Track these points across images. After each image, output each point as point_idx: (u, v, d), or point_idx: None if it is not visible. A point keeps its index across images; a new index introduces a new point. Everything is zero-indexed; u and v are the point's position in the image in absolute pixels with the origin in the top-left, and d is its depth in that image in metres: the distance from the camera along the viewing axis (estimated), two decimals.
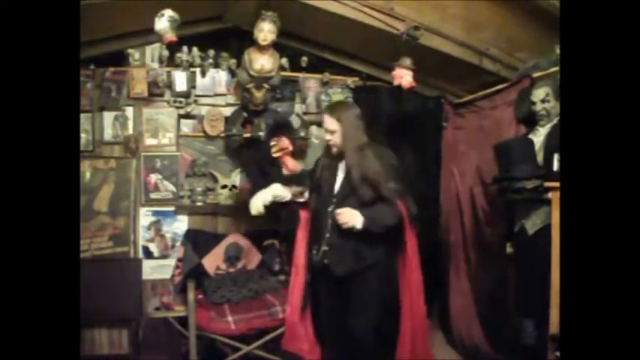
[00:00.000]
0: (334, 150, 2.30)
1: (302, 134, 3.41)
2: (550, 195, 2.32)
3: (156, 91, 3.24)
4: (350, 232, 2.13)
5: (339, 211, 2.13)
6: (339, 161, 2.30)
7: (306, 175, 2.48)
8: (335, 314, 2.24)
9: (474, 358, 3.19)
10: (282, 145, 2.59)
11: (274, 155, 2.58)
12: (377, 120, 3.66)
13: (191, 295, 2.80)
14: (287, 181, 2.46)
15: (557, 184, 2.17)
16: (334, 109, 2.38)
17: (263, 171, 2.67)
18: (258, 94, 3.17)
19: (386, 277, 2.25)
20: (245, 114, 3.30)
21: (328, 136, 2.29)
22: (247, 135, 3.31)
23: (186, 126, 3.36)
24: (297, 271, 2.40)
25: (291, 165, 2.58)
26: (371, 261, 2.18)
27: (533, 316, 2.48)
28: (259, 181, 2.54)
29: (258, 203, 2.32)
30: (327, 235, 2.19)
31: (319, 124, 3.51)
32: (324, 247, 2.20)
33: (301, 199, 2.41)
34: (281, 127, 2.93)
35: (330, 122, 2.29)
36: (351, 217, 2.11)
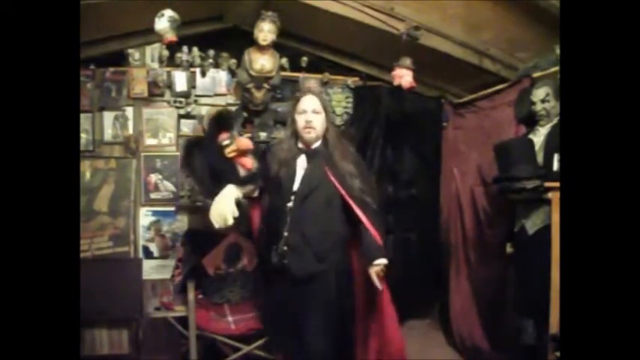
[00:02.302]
0: (310, 137, 2.11)
1: None
2: (550, 195, 2.32)
3: (156, 91, 3.24)
4: (310, 232, 2.02)
5: (376, 268, 2.01)
6: (299, 155, 2.13)
7: (260, 172, 2.24)
8: (291, 317, 2.08)
9: (474, 358, 3.19)
10: (241, 144, 2.25)
11: (230, 155, 2.23)
12: (377, 120, 3.67)
13: (191, 295, 2.80)
14: (244, 182, 2.19)
15: (557, 184, 2.17)
16: (316, 91, 2.26)
17: (214, 173, 2.21)
18: (258, 94, 3.17)
19: (343, 280, 2.11)
20: (245, 114, 3.30)
21: (310, 117, 2.08)
22: (248, 135, 3.31)
23: (186, 126, 3.36)
24: None
25: (249, 163, 2.27)
26: (331, 263, 2.04)
27: (533, 316, 2.48)
28: (210, 187, 2.16)
29: (227, 215, 2.03)
30: (286, 233, 2.03)
31: None
32: (283, 247, 2.03)
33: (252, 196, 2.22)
34: (222, 122, 2.42)
35: (315, 102, 2.12)
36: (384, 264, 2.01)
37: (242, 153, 2.25)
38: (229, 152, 2.20)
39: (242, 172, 2.21)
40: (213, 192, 2.10)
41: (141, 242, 3.22)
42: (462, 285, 3.39)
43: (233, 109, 3.32)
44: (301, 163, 2.12)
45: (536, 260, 2.42)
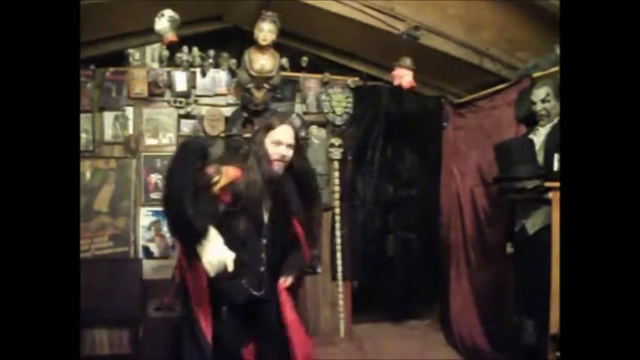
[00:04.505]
0: (279, 169, 1.96)
1: (302, 134, 3.42)
2: (550, 195, 2.32)
3: (156, 91, 3.24)
4: (277, 263, 2.04)
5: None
6: (265, 185, 1.95)
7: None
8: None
9: (474, 358, 3.19)
10: (231, 175, 1.88)
11: (218, 192, 1.84)
12: (377, 120, 3.67)
13: None
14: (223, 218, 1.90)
15: (557, 184, 2.17)
16: (289, 119, 2.07)
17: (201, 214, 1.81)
18: (259, 94, 3.17)
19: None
20: (245, 114, 3.30)
21: (284, 151, 1.95)
22: (247, 135, 3.31)
23: (187, 126, 3.36)
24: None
25: (228, 196, 1.90)
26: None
27: (533, 316, 2.48)
28: (201, 231, 1.79)
29: (227, 260, 1.78)
30: (262, 269, 1.98)
31: (319, 124, 3.53)
32: (255, 283, 1.98)
33: None
34: (203, 153, 1.90)
35: (291, 135, 1.98)
36: None
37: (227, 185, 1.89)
38: (218, 189, 1.84)
39: (221, 206, 1.89)
40: (202, 237, 1.78)
41: (141, 242, 3.22)
42: (462, 285, 3.39)
43: (233, 109, 3.33)
44: (266, 194, 1.98)
45: (537, 260, 2.42)
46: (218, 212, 1.87)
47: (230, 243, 1.83)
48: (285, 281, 2.07)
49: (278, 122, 2.00)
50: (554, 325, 2.14)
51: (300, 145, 2.06)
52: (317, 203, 2.17)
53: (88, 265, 2.94)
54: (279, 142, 1.95)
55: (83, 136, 3.13)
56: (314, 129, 3.51)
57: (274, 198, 2.00)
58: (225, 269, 1.77)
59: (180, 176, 1.79)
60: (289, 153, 1.97)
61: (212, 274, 1.78)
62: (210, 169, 1.83)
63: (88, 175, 3.16)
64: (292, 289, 2.13)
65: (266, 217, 2.00)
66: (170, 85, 3.26)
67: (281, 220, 2.03)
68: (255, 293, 1.97)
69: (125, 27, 3.22)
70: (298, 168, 2.05)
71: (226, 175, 1.86)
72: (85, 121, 3.13)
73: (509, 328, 2.80)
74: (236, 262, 1.80)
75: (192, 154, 1.84)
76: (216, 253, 1.76)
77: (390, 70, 3.23)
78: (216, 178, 1.82)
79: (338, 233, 3.47)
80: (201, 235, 1.77)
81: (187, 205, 1.72)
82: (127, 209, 3.20)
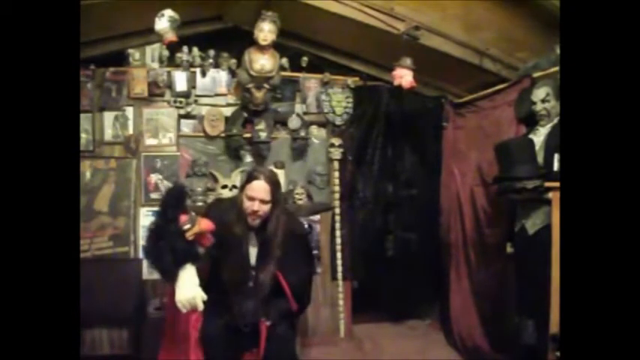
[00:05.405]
0: (255, 223, 2.10)
1: (302, 134, 3.42)
2: (550, 195, 2.32)
3: (156, 91, 3.24)
4: (265, 303, 2.13)
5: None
6: (249, 232, 2.14)
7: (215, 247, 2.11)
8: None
9: (474, 358, 3.19)
10: (203, 226, 2.00)
11: (190, 238, 1.96)
12: (377, 120, 3.67)
13: None
14: (201, 259, 2.04)
15: (557, 184, 2.17)
16: (271, 176, 2.14)
17: (175, 256, 1.96)
18: (259, 94, 3.17)
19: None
20: (245, 114, 3.30)
21: (256, 207, 2.06)
22: (247, 135, 3.31)
23: (187, 126, 3.36)
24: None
25: (209, 240, 2.06)
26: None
27: (533, 316, 2.48)
28: (173, 271, 1.96)
29: (196, 301, 1.88)
30: (250, 309, 2.10)
31: (319, 124, 3.53)
32: (243, 321, 2.10)
33: None
34: (179, 203, 2.06)
35: (265, 191, 2.07)
36: None
37: (202, 232, 2.04)
38: (190, 235, 1.97)
39: (200, 250, 2.04)
40: (175, 275, 1.94)
41: (141, 242, 3.21)
42: (462, 285, 3.39)
43: (233, 109, 3.33)
44: (252, 241, 2.15)
45: (537, 260, 2.42)
46: (196, 255, 1.98)
47: (220, 282, 2.04)
48: (266, 322, 2.13)
49: (255, 177, 2.10)
50: (554, 325, 2.14)
51: (278, 200, 2.13)
52: (307, 265, 2.29)
53: (88, 265, 2.94)
54: (251, 198, 2.07)
55: (83, 136, 3.13)
56: (314, 129, 3.51)
57: (261, 245, 2.12)
58: (195, 308, 1.89)
59: (155, 227, 2.00)
60: (262, 208, 2.07)
61: (183, 310, 1.90)
62: (183, 218, 1.95)
63: (88, 175, 3.16)
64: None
65: (253, 262, 2.13)
66: (170, 85, 3.26)
67: (268, 268, 2.12)
68: (243, 329, 2.09)
69: (125, 27, 3.22)
70: (285, 230, 2.15)
71: (199, 225, 1.98)
72: (85, 121, 3.13)
73: (509, 328, 2.80)
74: (205, 302, 1.90)
75: (167, 205, 2.00)
76: (185, 293, 1.88)
77: (390, 70, 3.23)
78: (187, 227, 1.94)
79: (338, 233, 3.47)
80: (171, 277, 1.92)
81: (151, 255, 1.99)
82: (127, 209, 3.20)
